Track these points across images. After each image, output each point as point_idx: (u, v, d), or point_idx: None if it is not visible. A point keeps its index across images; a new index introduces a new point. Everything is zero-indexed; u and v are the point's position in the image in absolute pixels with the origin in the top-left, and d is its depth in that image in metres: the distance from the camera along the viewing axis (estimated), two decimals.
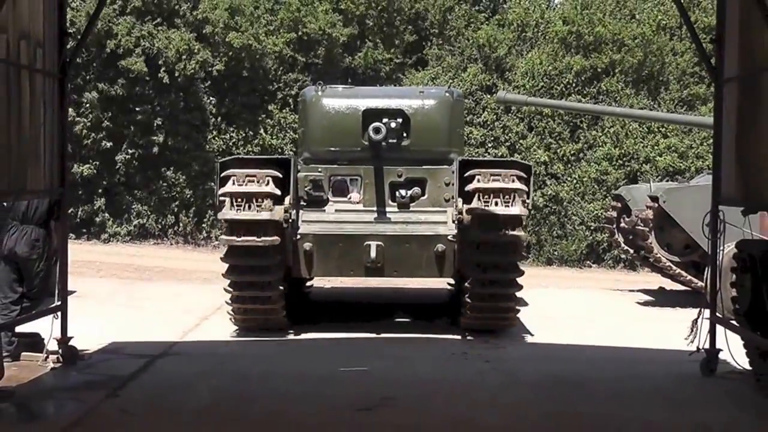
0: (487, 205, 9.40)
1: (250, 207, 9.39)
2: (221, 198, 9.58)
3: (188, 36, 20.42)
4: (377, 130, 9.92)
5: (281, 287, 9.69)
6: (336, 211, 9.94)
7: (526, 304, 10.66)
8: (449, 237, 9.61)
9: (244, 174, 9.52)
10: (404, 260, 9.70)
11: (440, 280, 11.18)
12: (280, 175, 9.68)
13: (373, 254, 9.54)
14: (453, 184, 9.90)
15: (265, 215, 9.35)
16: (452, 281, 11.59)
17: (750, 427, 6.73)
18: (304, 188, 9.92)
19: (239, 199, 9.42)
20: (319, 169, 10.07)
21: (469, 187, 9.58)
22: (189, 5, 20.96)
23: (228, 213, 9.42)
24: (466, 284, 9.71)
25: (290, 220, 9.56)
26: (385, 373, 8.18)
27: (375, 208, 9.96)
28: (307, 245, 9.64)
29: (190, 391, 7.50)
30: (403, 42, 21.39)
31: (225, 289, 9.69)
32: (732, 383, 7.98)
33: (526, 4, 21.73)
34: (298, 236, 9.65)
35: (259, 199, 9.40)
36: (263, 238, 9.36)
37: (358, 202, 10.00)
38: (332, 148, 10.29)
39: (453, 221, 9.67)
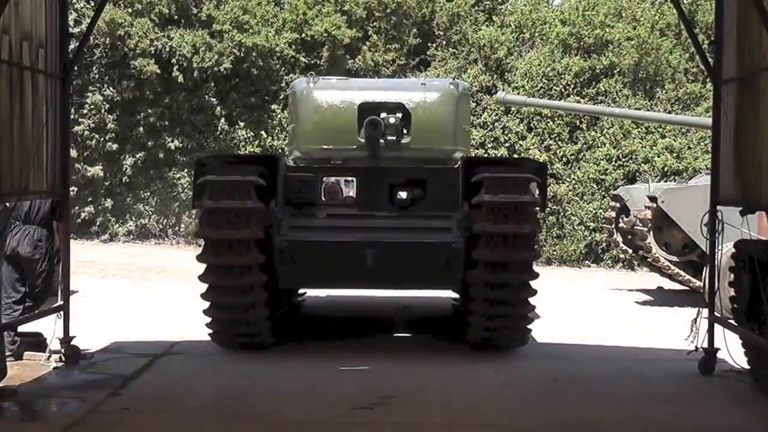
0: (496, 193, 8.33)
1: (231, 197, 8.33)
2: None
3: (201, 32, 20.59)
4: (374, 126, 9.10)
5: (264, 294, 8.61)
6: (328, 215, 8.93)
7: (538, 316, 9.42)
8: (454, 244, 8.58)
9: (227, 166, 8.74)
10: (404, 270, 8.70)
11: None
12: (266, 171, 8.69)
13: (369, 263, 8.58)
14: (458, 186, 8.83)
15: (248, 203, 8.31)
16: (457, 295, 10.39)
17: (748, 426, 6.76)
18: (293, 190, 8.94)
19: (219, 187, 8.38)
20: (310, 169, 9.16)
21: (477, 177, 8.52)
22: (199, 9, 21.08)
23: (206, 202, 8.39)
24: (471, 290, 8.67)
25: (276, 224, 8.63)
26: (385, 372, 8.21)
27: (371, 213, 8.93)
28: (296, 253, 8.63)
29: (191, 389, 7.54)
30: (406, 44, 21.43)
31: (201, 296, 8.62)
32: (730, 382, 8.03)
33: (525, 5, 21.80)
34: (285, 243, 8.63)
35: (242, 189, 8.35)
36: (244, 231, 8.32)
37: (352, 206, 9.00)
38: (325, 146, 9.42)
39: (458, 227, 8.64)
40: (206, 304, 8.67)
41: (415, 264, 8.65)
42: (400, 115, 9.33)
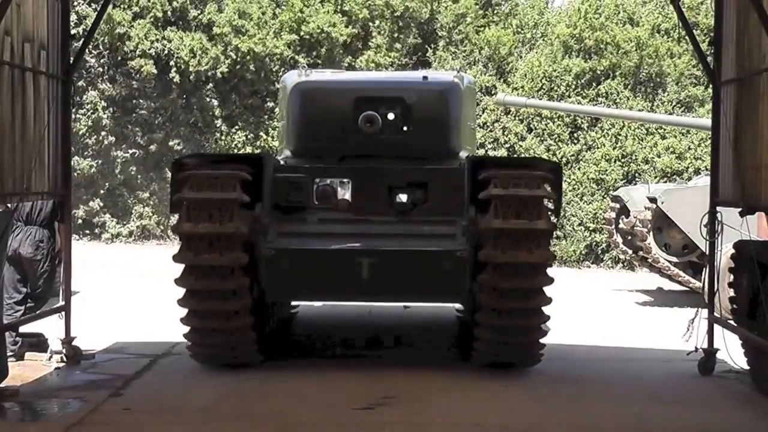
0: (507, 218, 7.51)
1: (211, 217, 7.49)
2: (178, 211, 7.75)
3: (200, 35, 20.68)
4: (370, 121, 8.32)
5: (250, 317, 7.88)
6: (320, 220, 8.09)
7: (547, 330, 8.39)
8: (459, 252, 7.80)
9: (205, 176, 7.65)
10: (404, 282, 7.92)
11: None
12: (250, 177, 7.79)
13: (365, 274, 7.80)
14: (463, 188, 8.03)
15: (229, 228, 7.48)
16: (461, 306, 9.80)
17: (748, 426, 6.78)
18: (282, 193, 8.11)
19: (198, 208, 7.52)
20: (301, 170, 8.33)
21: (483, 194, 7.68)
22: (199, 11, 21.16)
23: (184, 225, 7.57)
24: (477, 298, 7.93)
25: (262, 231, 7.83)
26: (386, 372, 8.22)
27: (368, 217, 8.10)
28: (284, 263, 7.84)
29: (192, 390, 7.56)
30: (406, 44, 21.47)
31: (181, 321, 7.89)
32: (729, 382, 8.06)
33: (525, 6, 21.88)
34: (272, 252, 7.85)
35: (223, 209, 7.51)
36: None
37: (347, 210, 8.15)
38: (317, 144, 8.61)
39: (463, 233, 7.83)
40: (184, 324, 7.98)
41: (416, 274, 7.87)
42: (399, 109, 8.55)
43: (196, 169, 7.77)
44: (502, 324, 7.76)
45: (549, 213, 7.92)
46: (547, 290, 7.88)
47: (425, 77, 9.05)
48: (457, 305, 10.37)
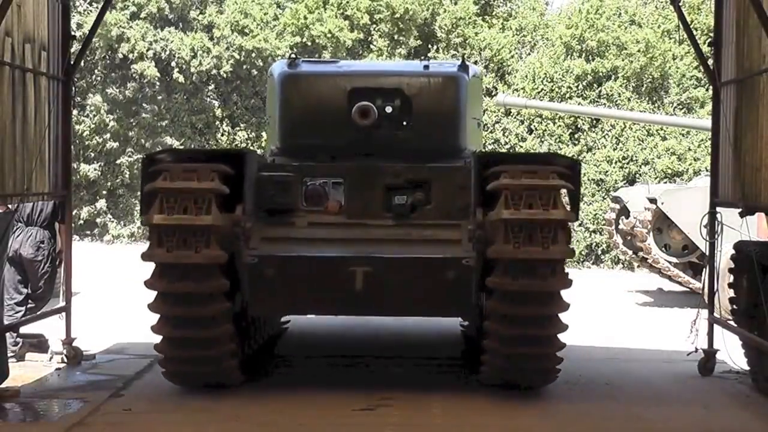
0: (518, 245, 6.62)
1: (185, 243, 6.67)
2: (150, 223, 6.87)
3: (201, 35, 20.76)
4: (364, 113, 7.55)
5: (231, 343, 7.14)
6: (309, 224, 7.29)
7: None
8: (464, 260, 7.00)
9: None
10: (402, 293, 7.12)
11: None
12: (227, 190, 6.87)
13: (359, 285, 6.96)
14: (469, 188, 7.23)
15: (204, 255, 6.65)
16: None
17: (747, 426, 6.79)
18: (267, 193, 7.30)
19: (169, 233, 6.71)
20: (289, 168, 7.50)
21: (492, 214, 6.81)
22: (199, 11, 21.24)
23: (155, 251, 6.84)
24: (486, 324, 7.16)
25: (243, 236, 6.97)
26: (385, 373, 8.23)
27: (363, 221, 7.32)
28: (269, 272, 7.05)
29: (192, 390, 7.53)
30: (407, 46, 21.50)
31: (155, 348, 7.15)
32: (729, 383, 8.06)
33: (525, 8, 21.93)
34: (255, 259, 7.05)
35: (198, 233, 6.66)
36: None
37: (339, 213, 7.36)
38: (307, 140, 7.81)
39: (469, 239, 7.04)
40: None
41: (417, 285, 7.06)
42: (398, 101, 7.79)
43: (166, 179, 6.78)
44: (513, 352, 7.00)
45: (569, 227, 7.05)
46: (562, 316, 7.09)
47: (426, 66, 8.22)
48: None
